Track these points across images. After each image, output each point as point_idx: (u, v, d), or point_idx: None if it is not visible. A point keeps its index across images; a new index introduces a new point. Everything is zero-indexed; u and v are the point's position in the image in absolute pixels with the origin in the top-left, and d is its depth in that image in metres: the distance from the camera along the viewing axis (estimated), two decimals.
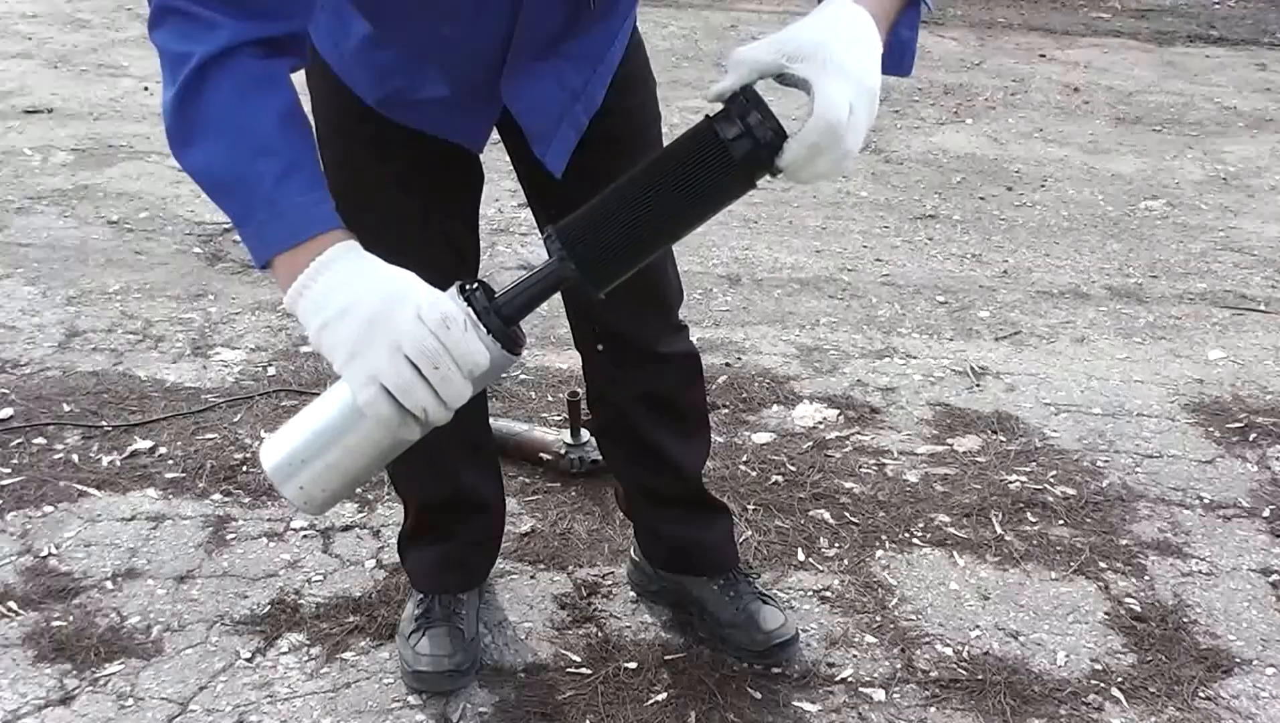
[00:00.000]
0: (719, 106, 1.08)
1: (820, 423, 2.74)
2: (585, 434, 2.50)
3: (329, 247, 1.07)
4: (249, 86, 1.10)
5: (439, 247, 1.69)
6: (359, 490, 2.42)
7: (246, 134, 1.10)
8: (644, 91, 1.71)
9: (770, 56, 1.05)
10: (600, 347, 1.86)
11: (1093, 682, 1.97)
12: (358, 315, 1.03)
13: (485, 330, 1.05)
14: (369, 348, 1.02)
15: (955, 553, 2.29)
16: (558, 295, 1.83)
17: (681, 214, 1.10)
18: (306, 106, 1.62)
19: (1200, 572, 2.25)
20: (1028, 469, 2.58)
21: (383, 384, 1.02)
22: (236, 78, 1.10)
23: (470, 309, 1.04)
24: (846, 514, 2.40)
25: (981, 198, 4.37)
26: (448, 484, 1.91)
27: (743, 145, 1.05)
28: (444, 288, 1.08)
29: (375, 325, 1.01)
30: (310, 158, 1.13)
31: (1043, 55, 6.53)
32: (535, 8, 1.37)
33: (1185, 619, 2.12)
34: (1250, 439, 2.72)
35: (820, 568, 2.24)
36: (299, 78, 1.57)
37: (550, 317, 3.21)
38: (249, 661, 1.97)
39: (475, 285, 1.07)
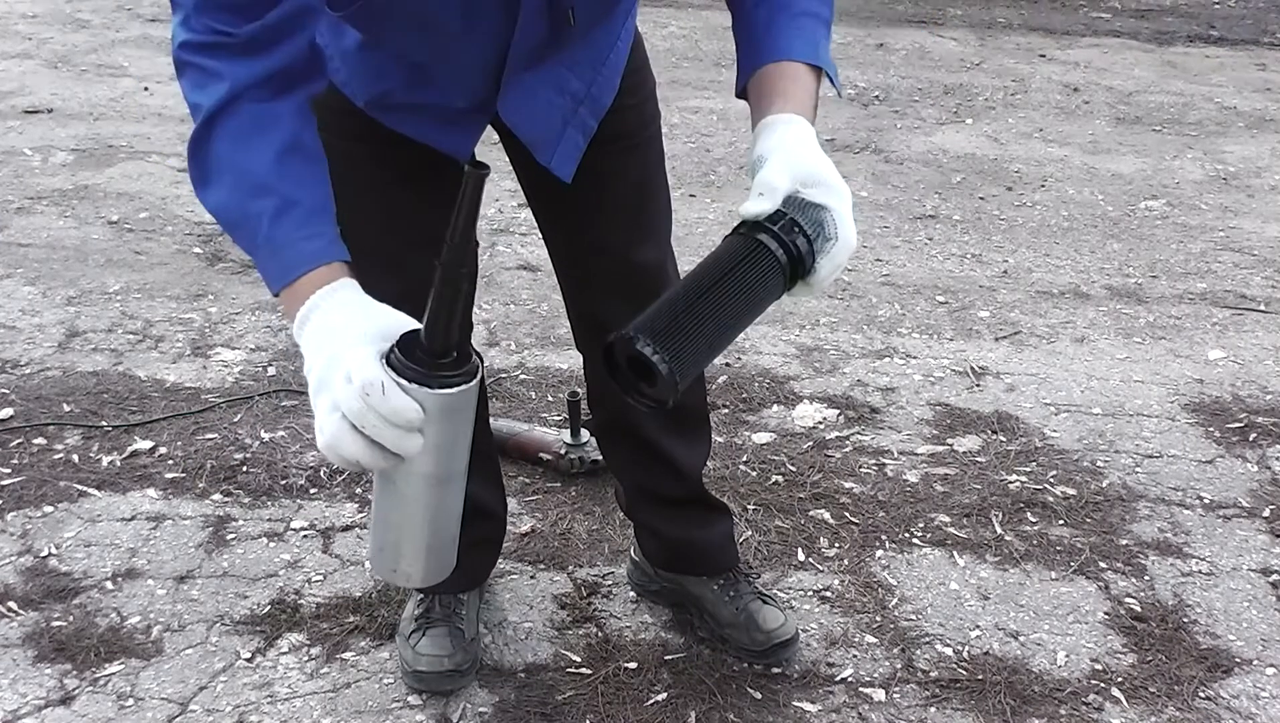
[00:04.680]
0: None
1: (820, 423, 2.74)
2: (585, 434, 2.50)
3: (312, 293, 1.15)
4: (247, 131, 1.19)
5: (438, 246, 1.68)
6: (367, 495, 2.42)
7: (245, 176, 1.19)
8: (644, 90, 1.71)
9: (790, 185, 1.19)
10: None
11: (1093, 682, 1.97)
12: (312, 377, 1.12)
13: (408, 382, 1.06)
14: (318, 410, 1.10)
15: (955, 553, 2.29)
16: (557, 296, 1.85)
17: (739, 320, 1.19)
18: None
19: (1200, 572, 2.25)
20: (1028, 469, 2.58)
21: (329, 445, 1.09)
22: (236, 124, 1.19)
23: (389, 369, 1.06)
24: (846, 514, 2.40)
25: (981, 198, 4.37)
26: None
27: (787, 263, 1.19)
28: None
29: (321, 388, 1.10)
30: (308, 191, 1.20)
31: (1043, 55, 6.53)
32: (520, 29, 1.38)
33: (1185, 619, 2.12)
34: (1250, 439, 2.72)
35: (820, 568, 2.24)
36: None
37: (550, 316, 3.21)
38: (249, 661, 1.97)
39: (392, 346, 1.08)
